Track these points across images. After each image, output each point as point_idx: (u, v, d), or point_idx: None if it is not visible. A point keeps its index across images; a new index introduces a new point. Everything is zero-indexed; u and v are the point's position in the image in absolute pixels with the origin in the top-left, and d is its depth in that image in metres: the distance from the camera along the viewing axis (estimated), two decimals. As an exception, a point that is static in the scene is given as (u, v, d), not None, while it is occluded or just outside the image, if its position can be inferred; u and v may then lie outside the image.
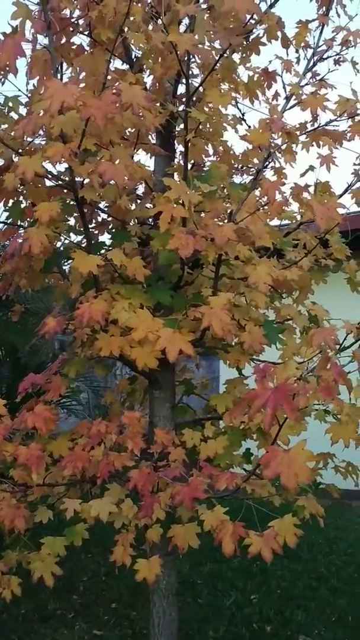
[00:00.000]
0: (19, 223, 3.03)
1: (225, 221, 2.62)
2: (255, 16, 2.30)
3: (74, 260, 2.49)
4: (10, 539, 2.81)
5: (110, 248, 2.83)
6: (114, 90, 2.15)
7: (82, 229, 2.72)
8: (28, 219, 3.11)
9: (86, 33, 2.89)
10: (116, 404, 4.01)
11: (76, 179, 2.45)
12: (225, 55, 2.63)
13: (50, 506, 2.88)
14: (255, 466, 2.41)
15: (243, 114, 3.34)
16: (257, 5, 2.24)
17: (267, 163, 3.37)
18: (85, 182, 2.47)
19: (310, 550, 6.69)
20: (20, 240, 2.44)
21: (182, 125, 3.18)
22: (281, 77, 3.56)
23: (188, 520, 2.77)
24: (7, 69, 2.13)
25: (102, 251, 2.82)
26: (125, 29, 2.82)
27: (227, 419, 3.17)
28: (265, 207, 3.05)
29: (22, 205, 3.05)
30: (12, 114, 2.70)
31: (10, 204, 2.93)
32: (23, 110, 2.87)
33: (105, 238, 3.22)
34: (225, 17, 2.66)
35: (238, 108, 3.30)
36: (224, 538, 2.14)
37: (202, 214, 2.79)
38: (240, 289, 2.87)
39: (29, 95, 2.87)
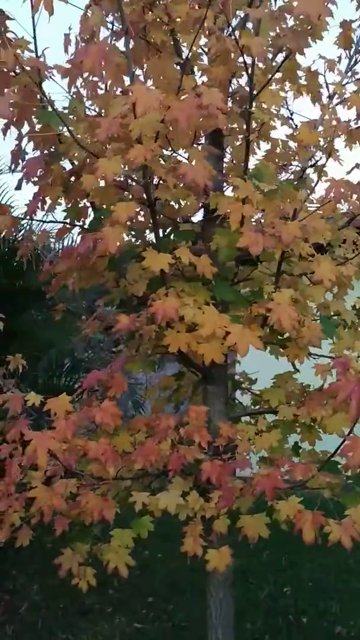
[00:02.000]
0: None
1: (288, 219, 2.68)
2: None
3: (146, 259, 2.55)
4: (75, 531, 2.87)
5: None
6: (194, 93, 2.22)
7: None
8: (83, 219, 3.19)
9: (140, 36, 2.96)
10: (159, 400, 4.08)
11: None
12: (289, 57, 2.70)
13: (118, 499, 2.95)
14: (331, 455, 2.48)
15: (292, 113, 3.40)
16: (328, 7, 2.30)
17: (315, 162, 3.46)
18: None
19: (338, 543, 6.76)
20: (90, 240, 2.49)
21: (233, 125, 3.27)
22: (324, 76, 3.64)
23: (247, 511, 2.85)
24: (90, 73, 2.20)
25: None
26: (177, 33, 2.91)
27: (284, 412, 3.24)
28: (316, 204, 3.13)
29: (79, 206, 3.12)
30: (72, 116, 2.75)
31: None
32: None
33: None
34: (283, 18, 2.74)
35: (288, 108, 3.37)
36: (303, 526, 2.21)
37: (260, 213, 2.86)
38: (299, 285, 2.94)
39: (73, 96, 2.93)
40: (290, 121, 3.49)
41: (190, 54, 2.78)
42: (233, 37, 2.41)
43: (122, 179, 2.48)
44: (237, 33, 2.40)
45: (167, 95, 2.19)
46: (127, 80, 2.59)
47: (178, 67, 3.20)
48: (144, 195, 2.61)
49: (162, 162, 2.51)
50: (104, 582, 5.66)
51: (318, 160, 3.46)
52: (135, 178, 2.59)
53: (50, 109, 2.42)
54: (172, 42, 3.02)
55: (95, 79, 2.61)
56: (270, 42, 2.73)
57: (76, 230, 3.44)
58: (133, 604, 5.41)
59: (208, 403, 3.37)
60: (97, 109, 2.97)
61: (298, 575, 6.05)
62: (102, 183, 2.64)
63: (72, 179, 2.76)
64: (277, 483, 2.30)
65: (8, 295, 5.20)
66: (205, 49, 2.97)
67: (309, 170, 3.52)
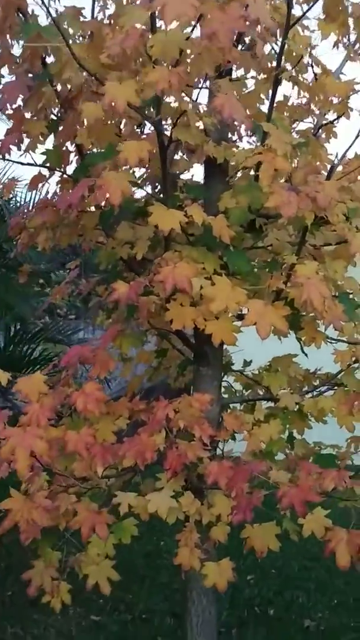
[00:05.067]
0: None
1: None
2: None
3: (153, 216, 2.07)
4: (44, 535, 2.42)
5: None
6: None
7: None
8: (64, 166, 2.68)
9: None
10: (136, 378, 3.63)
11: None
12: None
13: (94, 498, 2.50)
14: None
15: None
16: None
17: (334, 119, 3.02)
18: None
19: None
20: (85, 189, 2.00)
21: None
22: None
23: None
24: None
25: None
26: None
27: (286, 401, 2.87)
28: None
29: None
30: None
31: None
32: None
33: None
34: None
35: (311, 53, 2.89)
36: (337, 548, 1.84)
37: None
38: (323, 258, 2.52)
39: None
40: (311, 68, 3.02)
41: None
42: None
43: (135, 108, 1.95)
44: None
45: (204, 2, 1.68)
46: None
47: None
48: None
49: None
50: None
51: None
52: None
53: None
54: None
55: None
56: None
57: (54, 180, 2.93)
58: (89, 594, 5.01)
59: (200, 387, 2.95)
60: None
61: (261, 562, 5.77)
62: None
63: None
64: (309, 495, 1.90)
65: None
66: None
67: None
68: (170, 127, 2.06)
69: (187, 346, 2.82)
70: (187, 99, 2.02)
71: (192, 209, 2.17)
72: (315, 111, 2.96)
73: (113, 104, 1.77)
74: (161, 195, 2.39)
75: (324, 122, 3.00)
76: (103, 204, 2.23)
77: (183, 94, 1.98)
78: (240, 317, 2.45)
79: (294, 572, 5.60)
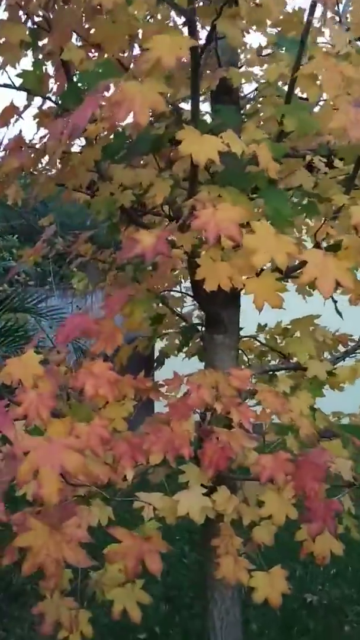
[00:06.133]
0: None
1: None
2: None
3: (184, 143, 1.57)
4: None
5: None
6: None
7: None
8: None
9: None
10: (125, 348, 3.16)
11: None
12: None
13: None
14: None
15: None
16: None
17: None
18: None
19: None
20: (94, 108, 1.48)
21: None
22: None
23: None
24: None
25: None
26: None
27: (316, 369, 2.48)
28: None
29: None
30: None
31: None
32: None
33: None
34: None
35: None
36: None
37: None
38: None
39: None
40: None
41: None
42: None
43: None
44: None
45: None
46: None
47: None
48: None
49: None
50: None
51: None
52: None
53: None
54: None
55: None
56: None
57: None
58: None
59: (215, 359, 2.52)
60: None
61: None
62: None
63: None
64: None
65: None
66: None
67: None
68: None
69: (204, 310, 2.37)
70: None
71: (228, 136, 1.68)
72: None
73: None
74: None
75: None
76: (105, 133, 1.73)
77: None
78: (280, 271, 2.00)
79: (289, 540, 5.34)
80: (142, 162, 2.20)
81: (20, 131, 2.61)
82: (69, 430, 1.81)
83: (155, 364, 3.09)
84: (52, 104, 2.14)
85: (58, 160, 2.27)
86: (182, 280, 3.32)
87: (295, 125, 1.77)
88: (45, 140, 2.35)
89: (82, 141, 2.24)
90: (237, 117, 1.87)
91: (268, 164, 1.73)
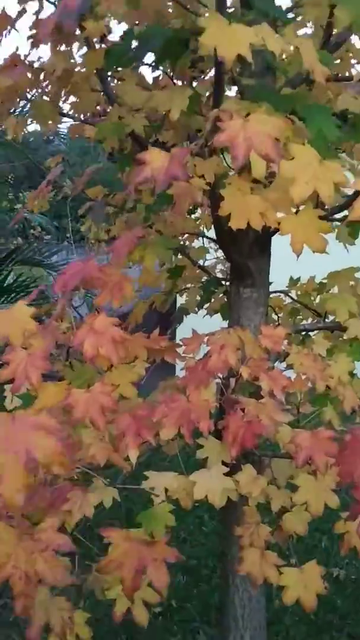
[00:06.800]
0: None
1: None
2: None
3: (206, 33, 1.21)
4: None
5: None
6: None
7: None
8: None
9: None
10: (139, 304, 2.84)
11: None
12: None
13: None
14: None
15: None
16: None
17: None
18: None
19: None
20: None
21: None
22: None
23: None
24: None
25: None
26: None
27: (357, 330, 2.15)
28: None
29: None
30: None
31: None
32: None
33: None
34: None
35: None
36: None
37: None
38: None
39: None
40: None
41: None
42: None
43: None
44: None
45: None
46: None
47: None
48: None
49: None
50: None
51: None
52: None
53: None
54: None
55: None
56: None
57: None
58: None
59: (241, 316, 2.19)
60: None
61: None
62: None
63: None
64: None
65: None
66: None
67: None
68: None
69: (228, 258, 2.02)
70: None
71: (263, 30, 1.30)
72: None
73: None
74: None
75: None
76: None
77: None
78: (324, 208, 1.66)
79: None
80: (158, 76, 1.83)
81: (17, 48, 2.25)
82: (64, 396, 1.52)
83: (174, 321, 2.77)
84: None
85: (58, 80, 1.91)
86: (205, 230, 2.97)
87: (349, 18, 1.38)
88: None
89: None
90: (276, 9, 1.49)
91: (314, 65, 1.35)
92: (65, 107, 2.30)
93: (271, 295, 2.70)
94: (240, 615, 2.32)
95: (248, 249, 2.04)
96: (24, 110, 2.61)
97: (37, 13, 1.89)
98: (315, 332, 2.42)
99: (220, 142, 1.18)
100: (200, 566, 4.25)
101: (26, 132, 2.53)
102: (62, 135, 7.23)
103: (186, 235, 2.91)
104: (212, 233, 2.67)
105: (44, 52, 2.57)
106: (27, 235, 6.39)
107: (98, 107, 2.00)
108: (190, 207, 2.20)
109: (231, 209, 1.43)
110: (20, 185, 5.62)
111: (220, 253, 3.12)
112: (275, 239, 2.14)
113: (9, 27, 2.01)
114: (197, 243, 2.98)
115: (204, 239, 2.96)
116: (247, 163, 1.34)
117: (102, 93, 1.91)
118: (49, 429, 0.90)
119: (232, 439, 1.43)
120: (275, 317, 2.71)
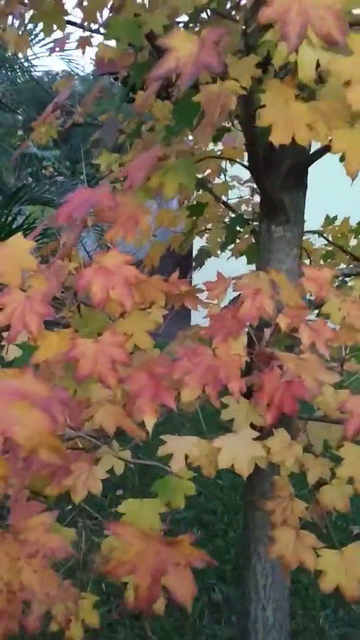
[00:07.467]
0: None
1: None
2: None
3: None
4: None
5: None
6: None
7: None
8: None
9: None
10: (156, 245, 2.57)
11: None
12: None
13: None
14: None
15: None
16: None
17: None
18: None
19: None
20: None
21: None
22: None
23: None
24: None
25: None
26: None
27: None
28: None
29: None
30: None
31: None
32: None
33: None
34: None
35: None
36: None
37: None
38: None
39: None
40: None
41: None
42: None
43: None
44: None
45: None
46: None
47: None
48: None
49: None
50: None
51: None
52: None
53: None
54: None
55: None
56: None
57: None
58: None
59: (271, 257, 1.93)
60: None
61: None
62: None
63: None
64: None
65: None
66: None
67: None
68: None
69: (261, 189, 1.74)
70: None
71: None
72: None
73: None
74: None
75: None
76: None
77: None
78: None
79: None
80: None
81: None
82: (68, 347, 1.28)
83: (194, 264, 2.50)
84: None
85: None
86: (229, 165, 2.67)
87: None
88: None
89: None
90: None
91: None
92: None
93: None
94: (262, 586, 2.14)
95: (282, 180, 1.76)
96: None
97: None
98: (352, 277, 2.16)
99: (266, 17, 0.89)
100: (215, 520, 4.11)
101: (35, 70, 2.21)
102: (76, 77, 6.81)
103: (208, 171, 2.62)
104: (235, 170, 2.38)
105: None
106: (39, 178, 6.08)
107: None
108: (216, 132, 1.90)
109: (273, 119, 1.15)
110: (30, 120, 5.25)
111: (245, 191, 2.83)
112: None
113: None
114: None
115: (225, 176, 2.66)
116: (292, 65, 1.06)
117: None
118: (34, 399, 0.65)
119: (268, 402, 1.19)
120: (307, 261, 2.44)
